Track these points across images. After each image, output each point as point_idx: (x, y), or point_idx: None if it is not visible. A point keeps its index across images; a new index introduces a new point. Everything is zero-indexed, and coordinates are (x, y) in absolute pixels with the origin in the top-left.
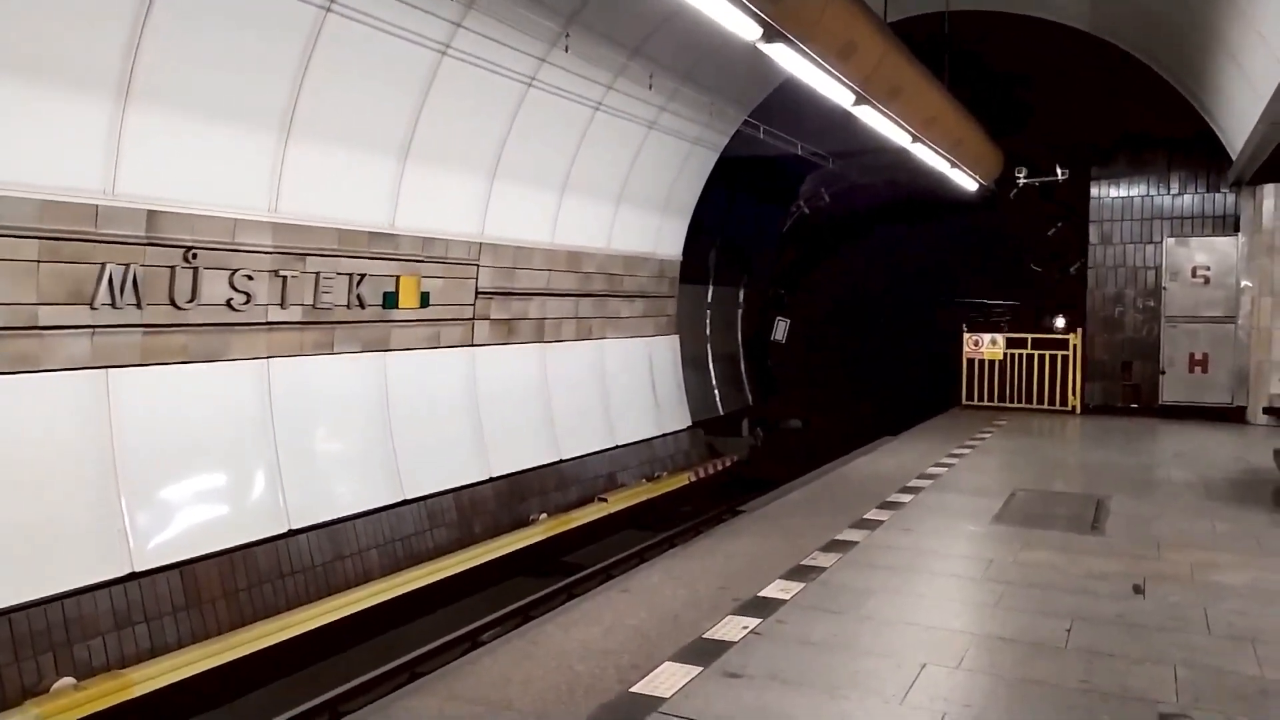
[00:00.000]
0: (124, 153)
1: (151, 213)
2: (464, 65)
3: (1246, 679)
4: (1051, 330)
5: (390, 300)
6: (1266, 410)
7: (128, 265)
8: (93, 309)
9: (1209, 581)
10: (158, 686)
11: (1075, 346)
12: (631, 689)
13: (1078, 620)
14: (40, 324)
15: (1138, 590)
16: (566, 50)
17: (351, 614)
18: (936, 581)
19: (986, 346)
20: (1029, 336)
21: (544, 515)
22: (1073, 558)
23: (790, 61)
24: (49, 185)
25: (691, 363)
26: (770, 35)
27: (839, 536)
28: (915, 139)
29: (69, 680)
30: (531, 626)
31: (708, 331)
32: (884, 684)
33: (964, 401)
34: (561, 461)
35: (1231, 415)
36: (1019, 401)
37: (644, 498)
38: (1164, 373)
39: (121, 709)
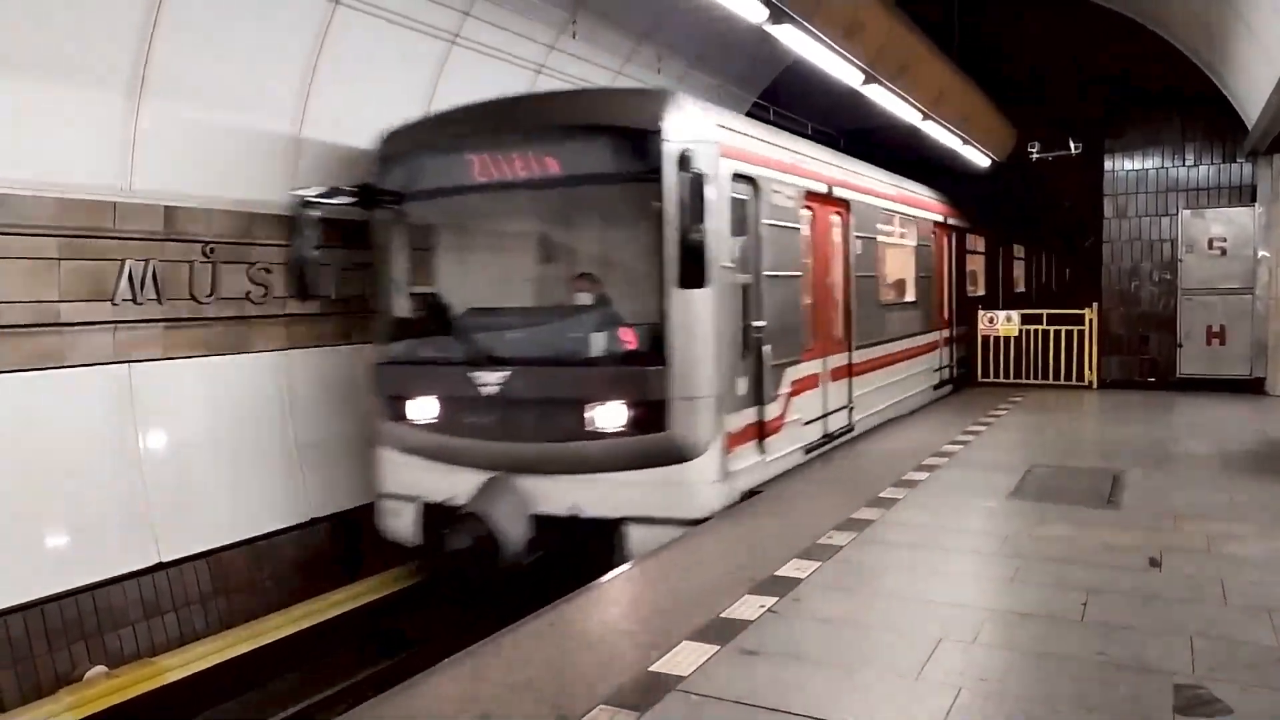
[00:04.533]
0: (138, 150)
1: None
2: (468, 53)
3: (1263, 649)
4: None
5: None
6: None
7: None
8: (114, 305)
9: (1226, 553)
10: (189, 673)
11: (1091, 321)
12: (650, 668)
13: (1094, 594)
14: (63, 320)
15: (1154, 563)
16: (574, 37)
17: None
18: (952, 558)
19: (1001, 323)
20: (1044, 312)
21: None
22: (1089, 531)
23: (797, 42)
24: (67, 183)
25: None
26: (777, 16)
27: (855, 515)
28: (925, 116)
29: (101, 669)
30: (551, 608)
31: None
32: (900, 660)
33: (979, 378)
34: None
35: (1250, 387)
36: (1035, 377)
37: None
38: (1181, 346)
39: (153, 696)
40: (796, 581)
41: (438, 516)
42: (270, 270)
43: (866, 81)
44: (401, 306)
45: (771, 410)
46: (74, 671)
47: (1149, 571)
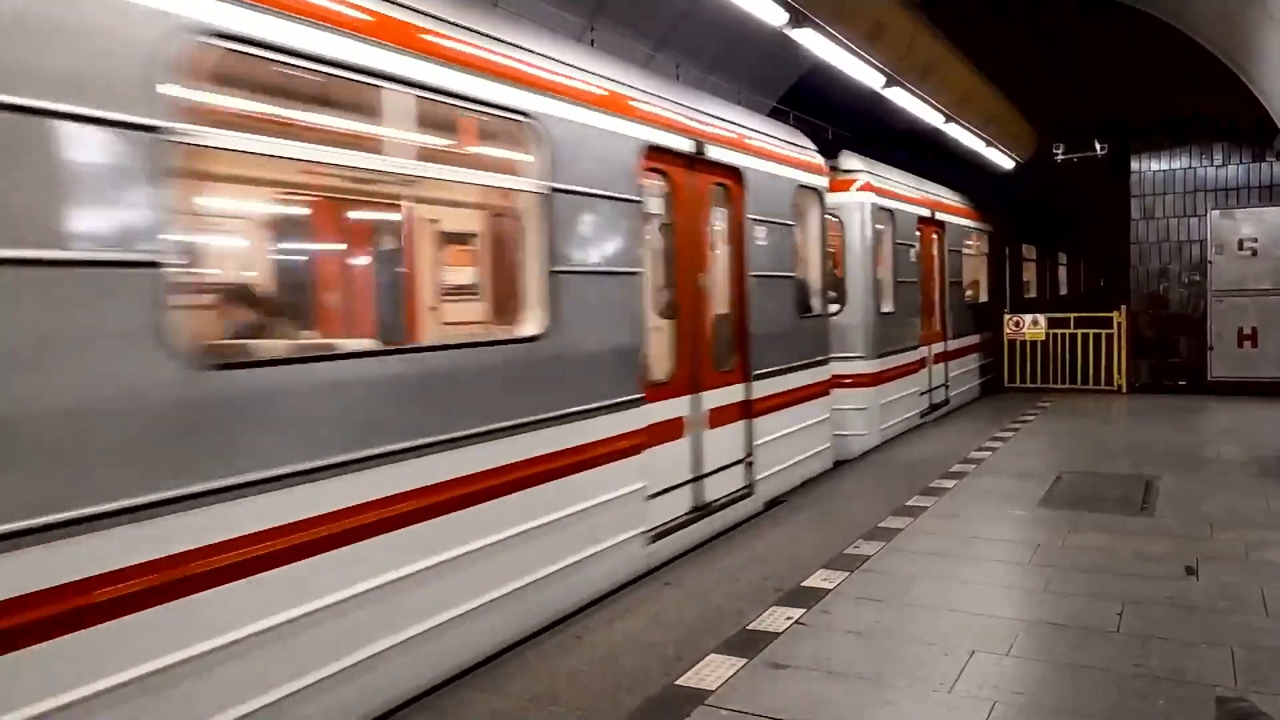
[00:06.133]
0: None
1: None
2: None
3: None
4: None
5: None
6: None
7: None
8: None
9: (1264, 561)
10: None
11: (1120, 324)
12: (676, 682)
13: (1129, 603)
14: None
15: (1190, 571)
16: (592, 44)
17: None
18: (983, 567)
19: (1028, 327)
20: (1071, 316)
21: None
22: (1122, 540)
23: (818, 45)
24: None
25: None
26: (797, 19)
27: (882, 524)
28: (948, 119)
29: None
30: (576, 621)
31: None
32: (932, 672)
33: (1006, 383)
34: None
35: None
36: (1063, 382)
37: None
38: (1212, 348)
39: None
40: (824, 592)
41: None
42: None
43: (888, 84)
44: None
45: None
46: None
47: (1186, 580)
